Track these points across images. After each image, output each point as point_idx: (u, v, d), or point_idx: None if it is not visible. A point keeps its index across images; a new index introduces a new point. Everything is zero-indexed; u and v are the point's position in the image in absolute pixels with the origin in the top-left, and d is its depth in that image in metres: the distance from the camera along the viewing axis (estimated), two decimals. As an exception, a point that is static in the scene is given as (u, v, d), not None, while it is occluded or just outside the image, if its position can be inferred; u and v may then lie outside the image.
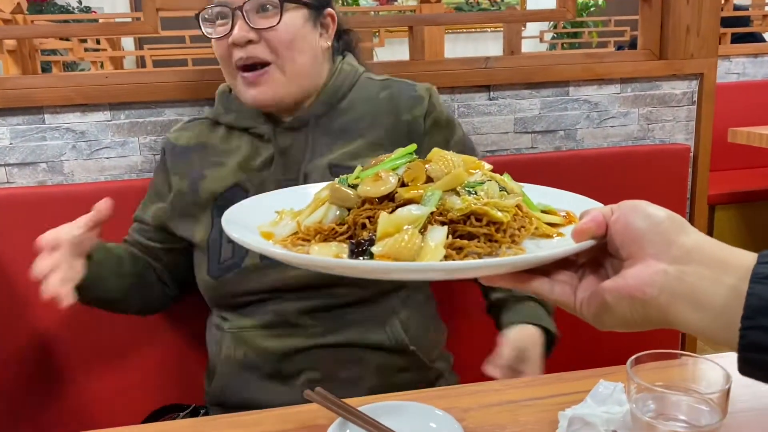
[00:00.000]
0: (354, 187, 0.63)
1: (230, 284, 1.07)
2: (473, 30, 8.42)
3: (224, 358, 1.09)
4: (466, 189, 0.60)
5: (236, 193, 1.08)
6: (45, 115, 1.36)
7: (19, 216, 1.29)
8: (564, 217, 0.65)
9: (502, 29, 4.77)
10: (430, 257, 0.54)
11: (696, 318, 0.47)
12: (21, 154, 1.37)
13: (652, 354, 0.67)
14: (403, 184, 0.61)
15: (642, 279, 0.49)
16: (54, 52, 4.62)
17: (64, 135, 1.37)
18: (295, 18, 1.06)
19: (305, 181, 1.06)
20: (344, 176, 0.66)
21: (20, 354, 1.32)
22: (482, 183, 0.61)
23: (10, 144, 1.36)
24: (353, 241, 0.58)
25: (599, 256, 0.56)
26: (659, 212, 0.51)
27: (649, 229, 0.50)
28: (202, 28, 1.08)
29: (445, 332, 1.22)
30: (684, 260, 0.48)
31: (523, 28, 6.88)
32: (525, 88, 1.50)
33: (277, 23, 1.03)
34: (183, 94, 1.38)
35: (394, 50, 4.51)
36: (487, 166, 0.65)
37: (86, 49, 4.52)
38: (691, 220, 1.62)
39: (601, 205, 0.60)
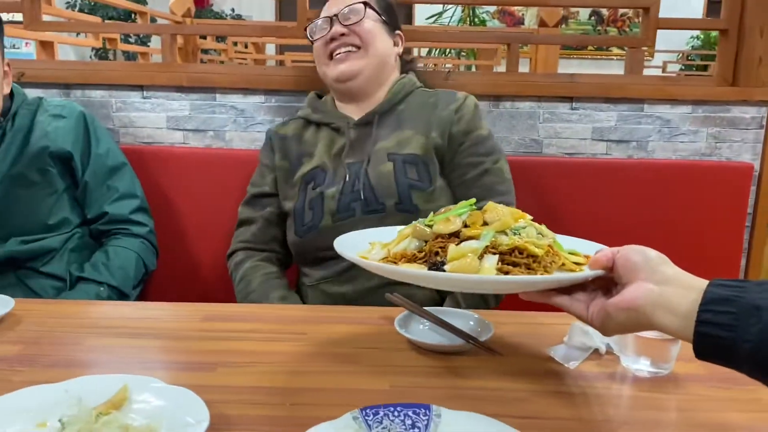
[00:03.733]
0: (430, 226, 0.84)
1: (310, 241, 1.37)
2: (599, 57, 8.51)
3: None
4: (512, 231, 0.80)
5: (317, 173, 1.39)
6: (216, 95, 1.78)
7: (191, 168, 1.71)
8: (585, 258, 0.82)
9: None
10: (485, 274, 0.76)
11: (671, 321, 0.64)
12: (195, 123, 1.79)
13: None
14: (465, 226, 0.82)
15: (634, 295, 0.67)
16: (206, 51, 5.27)
17: (228, 111, 1.78)
18: (374, 20, 1.42)
19: (368, 163, 1.36)
20: (422, 219, 0.87)
21: (174, 266, 1.74)
22: (524, 227, 0.82)
23: (189, 114, 1.78)
24: (431, 262, 0.79)
25: (607, 284, 0.75)
26: (651, 252, 0.70)
27: (642, 261, 0.69)
28: (310, 36, 1.44)
29: None
30: (664, 282, 0.66)
31: (649, 58, 6.89)
32: (604, 102, 1.74)
33: (361, 20, 1.39)
34: (315, 86, 1.74)
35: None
36: (528, 217, 0.86)
37: (236, 52, 5.13)
38: (751, 235, 1.78)
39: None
